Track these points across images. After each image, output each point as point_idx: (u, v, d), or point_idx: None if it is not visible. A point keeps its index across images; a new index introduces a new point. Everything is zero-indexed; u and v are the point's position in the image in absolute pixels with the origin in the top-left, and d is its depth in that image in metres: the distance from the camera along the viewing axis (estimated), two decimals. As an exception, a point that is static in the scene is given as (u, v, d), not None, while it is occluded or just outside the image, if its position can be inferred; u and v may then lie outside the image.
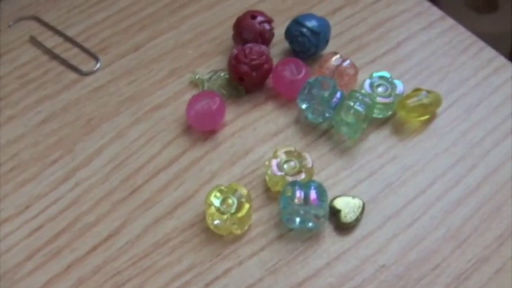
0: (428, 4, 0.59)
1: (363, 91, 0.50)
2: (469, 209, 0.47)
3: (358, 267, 0.45)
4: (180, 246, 0.46)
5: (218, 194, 0.46)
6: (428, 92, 0.50)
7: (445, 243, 0.45)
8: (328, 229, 0.46)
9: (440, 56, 0.55)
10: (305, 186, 0.45)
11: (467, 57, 0.55)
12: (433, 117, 0.51)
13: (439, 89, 0.52)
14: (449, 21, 0.57)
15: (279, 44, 0.56)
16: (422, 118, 0.51)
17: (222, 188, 0.46)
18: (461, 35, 0.56)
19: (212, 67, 0.55)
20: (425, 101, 0.50)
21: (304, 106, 0.50)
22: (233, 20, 0.55)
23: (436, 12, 0.58)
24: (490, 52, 0.55)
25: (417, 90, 0.51)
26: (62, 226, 0.47)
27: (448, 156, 0.49)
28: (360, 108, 0.48)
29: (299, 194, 0.45)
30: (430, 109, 0.50)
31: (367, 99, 0.49)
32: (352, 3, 0.59)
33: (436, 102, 0.51)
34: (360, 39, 0.57)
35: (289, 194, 0.45)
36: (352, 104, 0.48)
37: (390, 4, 0.59)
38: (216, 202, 0.45)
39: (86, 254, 0.46)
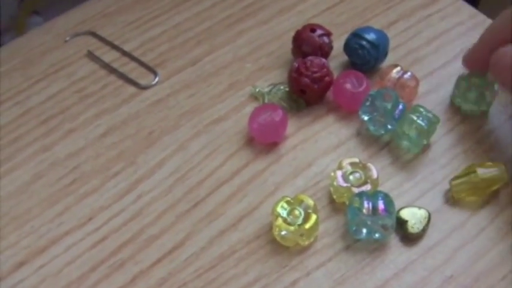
0: (483, 17, 0.59)
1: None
2: (536, 218, 0.47)
3: (426, 278, 0.44)
4: (246, 258, 0.46)
5: (285, 205, 0.45)
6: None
7: (511, 254, 0.45)
8: (394, 240, 0.46)
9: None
10: (372, 196, 0.45)
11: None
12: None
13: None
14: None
15: (337, 57, 0.56)
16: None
17: (289, 199, 0.46)
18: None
19: (271, 80, 0.55)
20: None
21: (366, 118, 0.50)
22: (290, 34, 0.55)
23: (491, 25, 0.58)
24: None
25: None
26: (126, 238, 0.47)
27: (514, 166, 0.49)
28: (422, 123, 0.48)
29: (367, 204, 0.45)
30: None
31: (430, 115, 0.49)
32: (406, 17, 0.59)
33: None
34: (417, 52, 0.57)
35: (356, 205, 0.45)
36: (415, 118, 0.48)
37: (445, 17, 0.59)
38: (283, 213, 0.45)
39: (150, 266, 0.46)
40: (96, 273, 0.46)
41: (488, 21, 0.58)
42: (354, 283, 0.44)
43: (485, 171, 0.47)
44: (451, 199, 0.48)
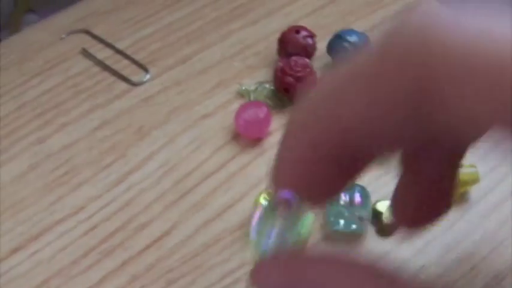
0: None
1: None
2: (504, 214, 0.49)
3: (400, 267, 0.46)
4: (230, 246, 0.48)
5: (267, 197, 0.48)
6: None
7: (482, 246, 0.47)
8: (370, 231, 0.48)
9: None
10: (349, 189, 0.47)
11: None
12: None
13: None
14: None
15: (321, 58, 0.58)
16: None
17: (270, 191, 0.48)
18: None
19: (257, 79, 0.57)
20: None
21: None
22: (276, 35, 0.57)
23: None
24: None
25: None
26: (116, 226, 0.49)
27: (485, 163, 0.51)
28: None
29: (344, 197, 0.47)
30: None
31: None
32: (388, 20, 0.61)
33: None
34: (397, 54, 0.59)
35: (334, 197, 0.47)
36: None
37: (425, 22, 0.61)
38: (265, 204, 0.47)
39: (139, 252, 0.48)
40: (87, 259, 0.48)
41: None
42: (331, 271, 0.46)
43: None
44: (426, 194, 0.50)
